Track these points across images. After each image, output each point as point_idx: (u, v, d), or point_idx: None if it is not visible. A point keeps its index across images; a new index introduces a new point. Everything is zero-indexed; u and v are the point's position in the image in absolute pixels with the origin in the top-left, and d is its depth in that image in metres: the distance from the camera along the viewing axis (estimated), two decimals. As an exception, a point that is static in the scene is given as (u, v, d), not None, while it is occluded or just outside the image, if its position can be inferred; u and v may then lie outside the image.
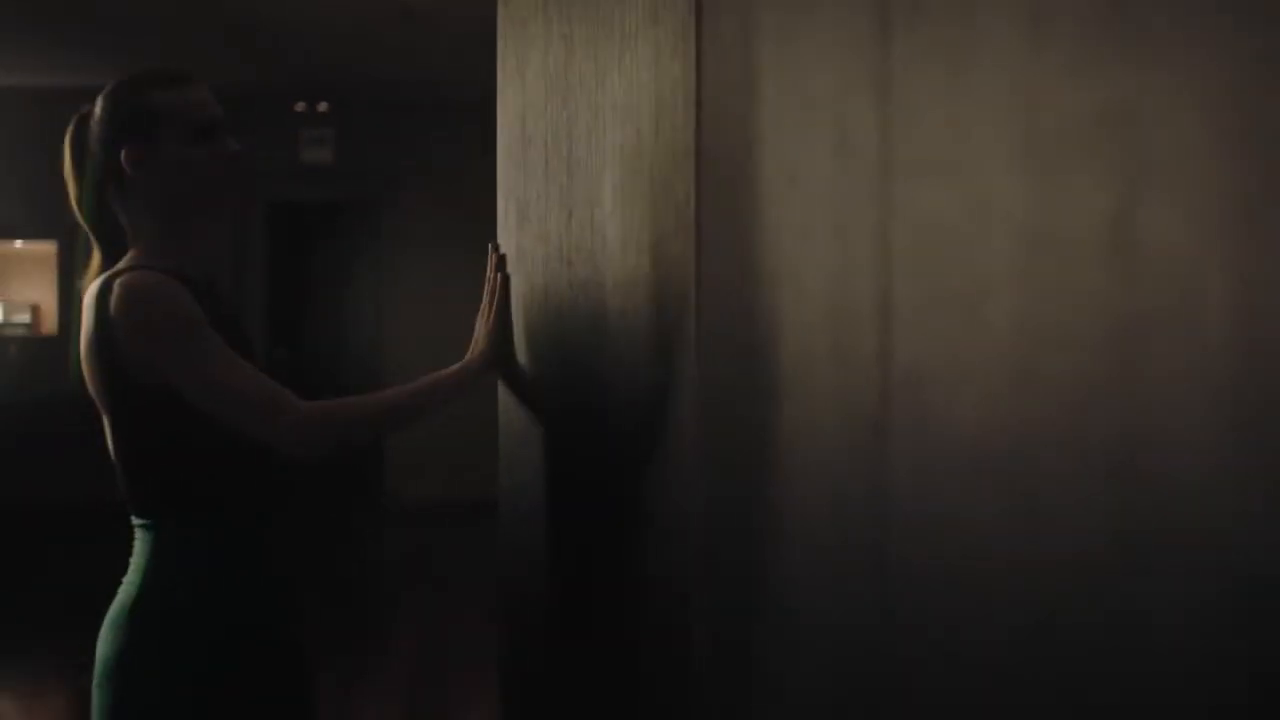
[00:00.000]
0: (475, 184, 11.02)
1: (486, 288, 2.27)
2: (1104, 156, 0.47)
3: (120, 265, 2.03)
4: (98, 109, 2.10)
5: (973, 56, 0.60)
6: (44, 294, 10.52)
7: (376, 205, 11.00)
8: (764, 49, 1.09)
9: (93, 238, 2.14)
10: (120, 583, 2.02)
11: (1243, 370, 0.39)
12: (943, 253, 0.65)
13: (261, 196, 10.80)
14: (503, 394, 2.49)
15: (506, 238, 2.75)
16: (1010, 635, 0.58)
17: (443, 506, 10.71)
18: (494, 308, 2.21)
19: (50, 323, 10.53)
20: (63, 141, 2.16)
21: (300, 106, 10.47)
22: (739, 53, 1.14)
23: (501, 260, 2.25)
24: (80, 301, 2.05)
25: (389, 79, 9.89)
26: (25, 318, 10.48)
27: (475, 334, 2.21)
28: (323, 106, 10.55)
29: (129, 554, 2.04)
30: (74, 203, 2.12)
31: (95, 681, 2.00)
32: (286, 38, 8.29)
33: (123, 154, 2.02)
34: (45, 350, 10.42)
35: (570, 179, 1.98)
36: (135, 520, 2.04)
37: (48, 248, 10.28)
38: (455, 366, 2.14)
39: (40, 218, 10.24)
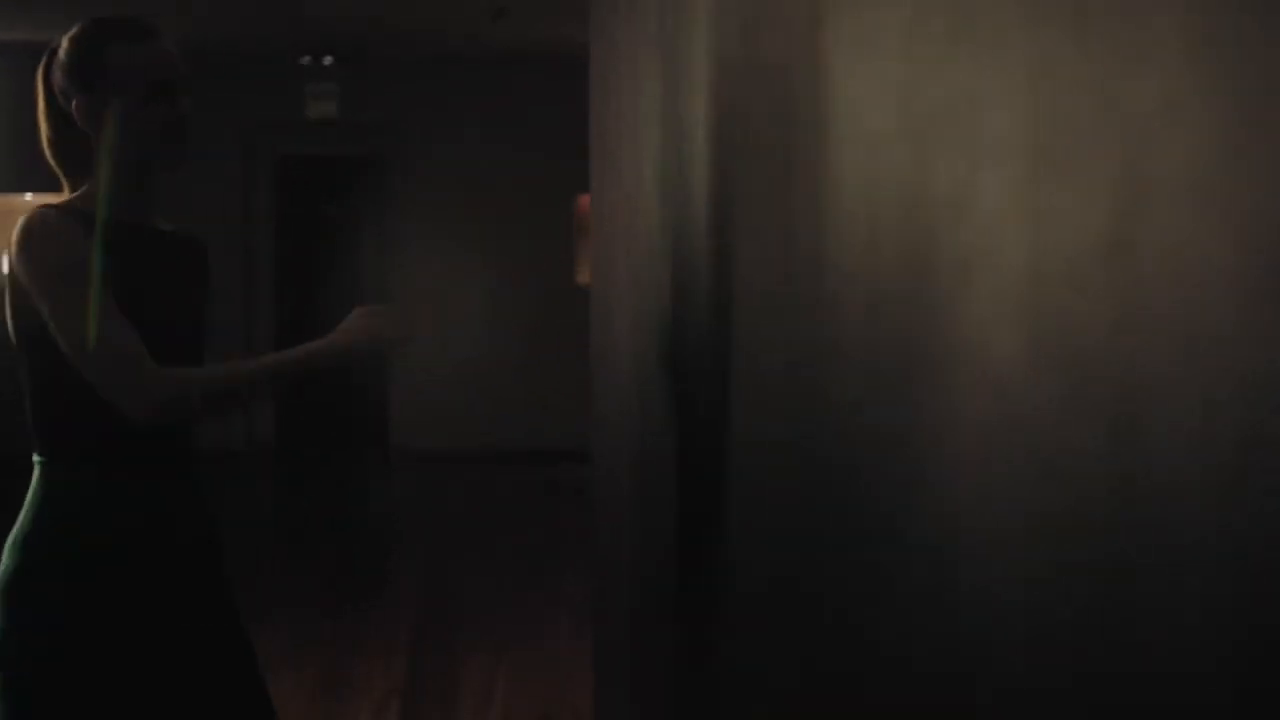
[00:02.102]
0: (480, 136, 11.13)
1: None
2: (957, 130, 0.63)
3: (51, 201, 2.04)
4: (62, 52, 2.09)
5: (874, 52, 0.75)
6: (54, 246, 10.63)
7: (381, 159, 11.13)
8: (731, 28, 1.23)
9: (59, 172, 2.18)
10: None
11: (1032, 287, 0.55)
12: (857, 207, 0.80)
13: (267, 150, 10.92)
14: (594, 351, 2.64)
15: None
16: (901, 468, 0.73)
17: (445, 457, 10.89)
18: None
19: (60, 274, 10.65)
20: None
21: (305, 60, 10.57)
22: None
23: None
24: None
25: (394, 32, 9.98)
26: (36, 269, 10.61)
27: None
28: (328, 60, 10.65)
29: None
30: (43, 138, 2.15)
31: None
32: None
33: (73, 104, 2.02)
34: (55, 302, 10.55)
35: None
36: (34, 457, 2.02)
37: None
38: (328, 340, 2.03)
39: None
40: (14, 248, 1.98)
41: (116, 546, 1.98)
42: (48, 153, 2.18)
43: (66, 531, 1.97)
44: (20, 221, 2.01)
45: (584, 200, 10.64)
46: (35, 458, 2.01)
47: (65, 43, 2.11)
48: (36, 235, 1.99)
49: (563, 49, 10.27)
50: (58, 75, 2.11)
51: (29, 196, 10.65)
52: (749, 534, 1.16)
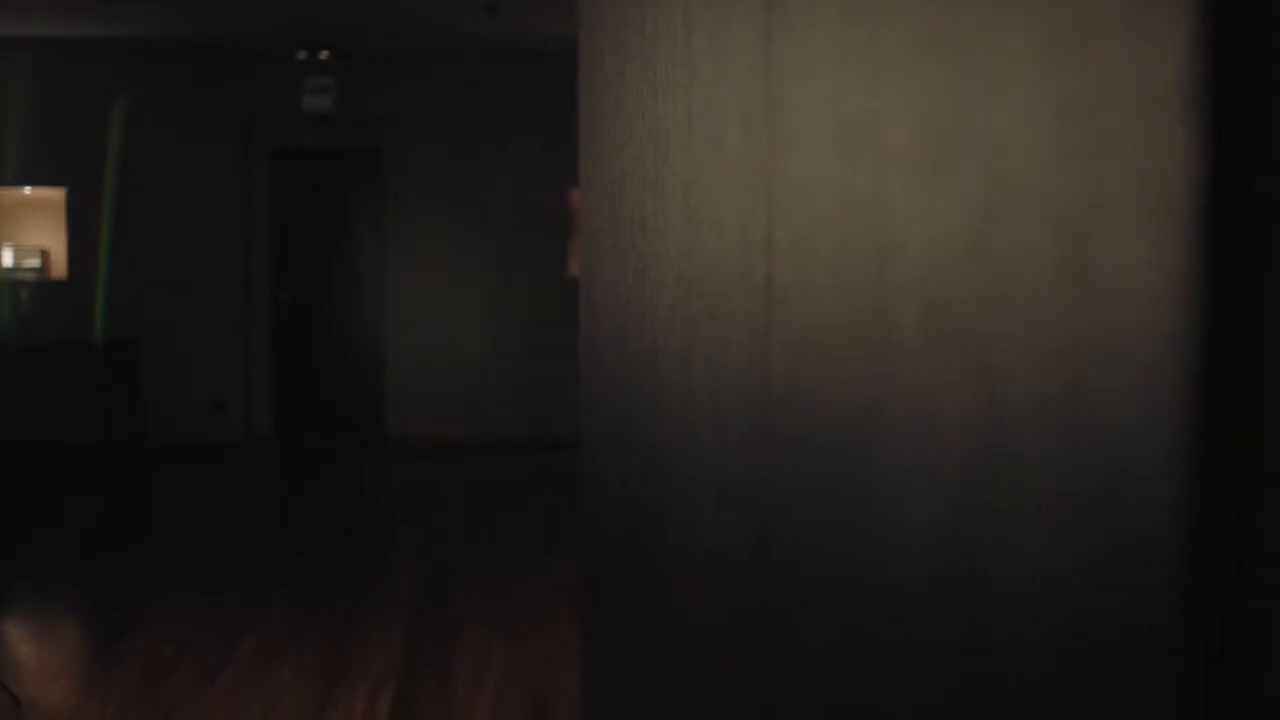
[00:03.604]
0: (474, 131, 11.20)
1: None
2: (869, 141, 0.74)
3: None
4: None
5: (811, 67, 0.86)
6: (54, 239, 10.75)
7: (377, 153, 11.23)
8: (699, 37, 1.35)
9: None
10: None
11: (923, 273, 0.66)
12: (799, 204, 0.92)
13: (264, 144, 11.02)
14: (583, 341, 2.73)
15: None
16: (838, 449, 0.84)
17: (441, 446, 10.99)
18: None
19: (60, 267, 10.77)
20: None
21: (302, 55, 10.66)
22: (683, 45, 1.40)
23: None
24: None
25: (389, 28, 10.08)
26: (35, 262, 10.73)
27: None
28: (324, 55, 10.75)
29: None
30: None
31: None
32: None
33: None
34: (55, 294, 10.68)
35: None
36: None
37: (57, 194, 10.51)
38: None
39: (49, 164, 10.48)
40: None
41: None
42: None
43: None
44: None
45: (576, 194, 10.74)
46: None
47: None
48: None
49: (556, 44, 10.35)
50: None
51: (29, 190, 10.75)
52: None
